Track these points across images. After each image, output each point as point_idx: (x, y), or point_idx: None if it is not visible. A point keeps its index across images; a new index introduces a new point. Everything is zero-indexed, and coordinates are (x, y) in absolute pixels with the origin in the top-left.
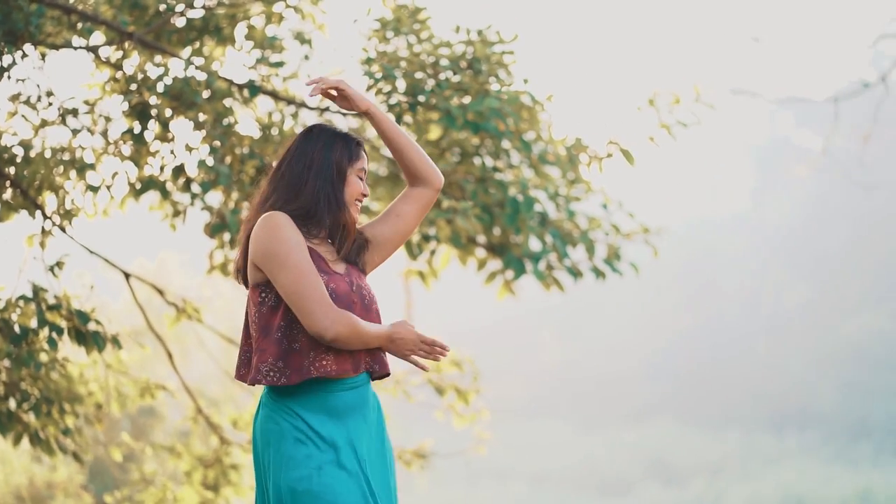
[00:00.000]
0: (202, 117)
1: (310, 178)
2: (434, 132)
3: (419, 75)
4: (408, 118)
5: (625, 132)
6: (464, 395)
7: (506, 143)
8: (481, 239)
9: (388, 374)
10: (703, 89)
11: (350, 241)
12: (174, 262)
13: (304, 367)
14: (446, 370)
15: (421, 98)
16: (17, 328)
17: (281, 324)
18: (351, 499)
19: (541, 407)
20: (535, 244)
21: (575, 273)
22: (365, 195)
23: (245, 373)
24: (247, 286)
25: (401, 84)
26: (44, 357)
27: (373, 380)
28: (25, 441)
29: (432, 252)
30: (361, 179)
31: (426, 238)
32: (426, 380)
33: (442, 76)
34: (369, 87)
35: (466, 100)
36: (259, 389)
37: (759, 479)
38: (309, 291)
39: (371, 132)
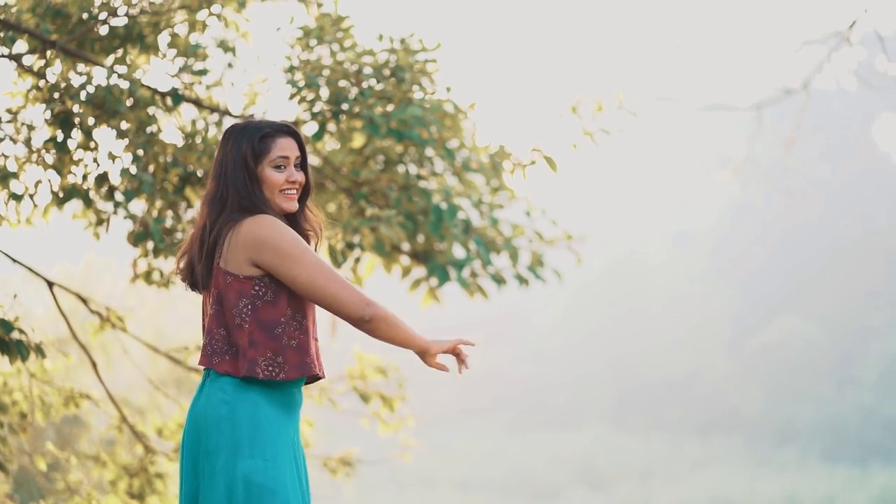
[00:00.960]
0: (125, 125)
1: (228, 187)
2: (357, 140)
3: (342, 83)
4: (331, 126)
5: (548, 139)
6: (389, 402)
7: (429, 151)
8: (405, 246)
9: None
10: (626, 97)
11: (312, 234)
12: (98, 266)
13: (306, 364)
14: (371, 377)
15: (344, 106)
16: None
17: (281, 320)
18: (293, 495)
19: (468, 413)
20: (459, 251)
21: (499, 280)
22: (292, 181)
23: (221, 361)
24: (195, 286)
25: (324, 92)
26: None
27: (307, 383)
28: None
29: (357, 260)
30: (282, 167)
31: (350, 246)
32: (351, 387)
33: (365, 84)
34: (292, 96)
35: (390, 108)
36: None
37: (687, 484)
38: (335, 282)
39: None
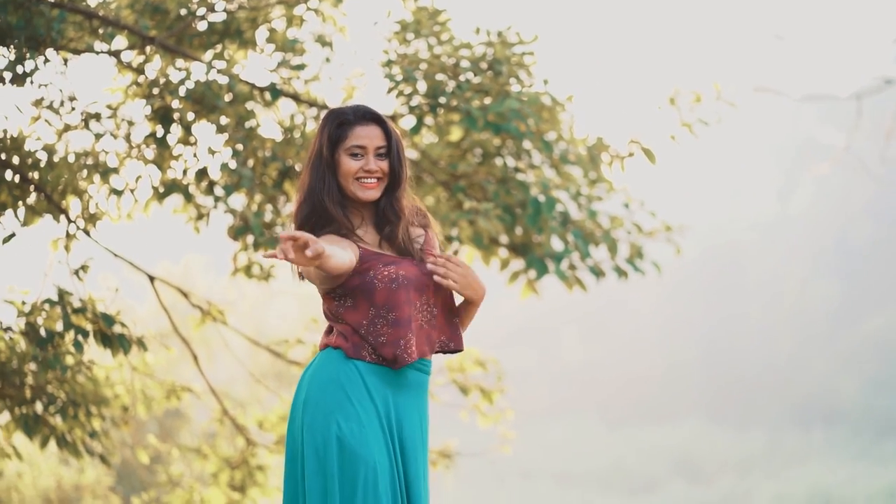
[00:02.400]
0: (224, 120)
1: (308, 177)
2: (455, 133)
3: (440, 77)
4: (429, 120)
5: (646, 131)
6: (488, 394)
7: (527, 144)
8: (504, 239)
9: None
10: (725, 87)
11: (397, 226)
12: (198, 264)
13: (395, 355)
14: (470, 370)
15: (442, 100)
16: (42, 332)
17: (361, 321)
18: (378, 459)
19: (566, 407)
20: (557, 244)
21: (597, 272)
22: (368, 170)
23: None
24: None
25: (421, 86)
26: (70, 360)
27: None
28: (52, 444)
29: (455, 252)
30: (357, 156)
31: (449, 239)
32: (450, 380)
33: (462, 78)
34: (390, 90)
35: (487, 101)
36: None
37: (786, 477)
38: None
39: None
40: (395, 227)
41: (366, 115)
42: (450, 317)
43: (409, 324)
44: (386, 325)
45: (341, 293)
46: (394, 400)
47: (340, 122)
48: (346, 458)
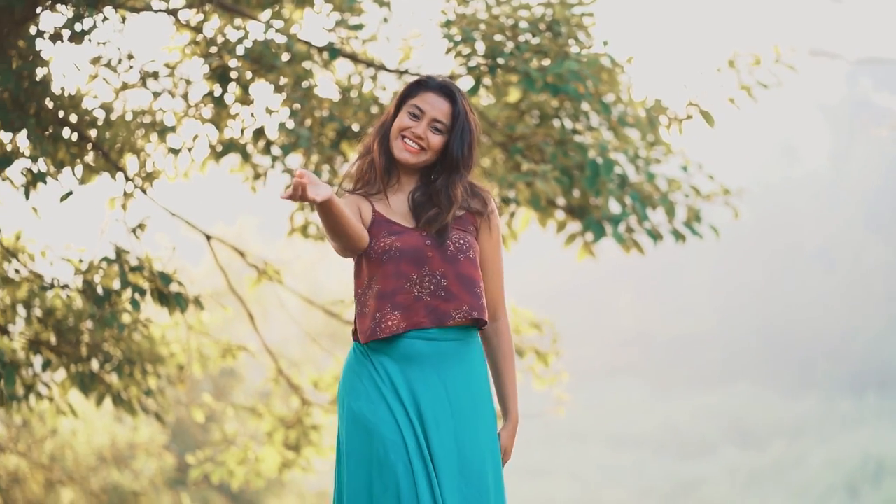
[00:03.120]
0: (282, 80)
1: (372, 131)
2: (513, 95)
3: (498, 38)
4: (487, 81)
5: (704, 94)
6: (543, 357)
7: (585, 106)
8: (561, 201)
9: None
10: (784, 50)
11: (446, 212)
12: (253, 225)
13: (370, 328)
14: (525, 332)
15: (500, 61)
16: (100, 290)
17: (357, 290)
18: (383, 434)
19: (619, 369)
20: (614, 206)
21: (655, 235)
22: (415, 134)
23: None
24: None
25: (480, 47)
26: (126, 318)
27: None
28: (108, 402)
29: (512, 214)
30: (414, 116)
31: (506, 201)
32: None
33: (521, 38)
34: (448, 50)
35: (546, 62)
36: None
37: (839, 442)
38: None
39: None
40: (444, 212)
41: (443, 88)
42: (469, 286)
43: (390, 297)
44: (370, 297)
45: (355, 261)
46: (408, 375)
47: (418, 83)
48: (358, 434)
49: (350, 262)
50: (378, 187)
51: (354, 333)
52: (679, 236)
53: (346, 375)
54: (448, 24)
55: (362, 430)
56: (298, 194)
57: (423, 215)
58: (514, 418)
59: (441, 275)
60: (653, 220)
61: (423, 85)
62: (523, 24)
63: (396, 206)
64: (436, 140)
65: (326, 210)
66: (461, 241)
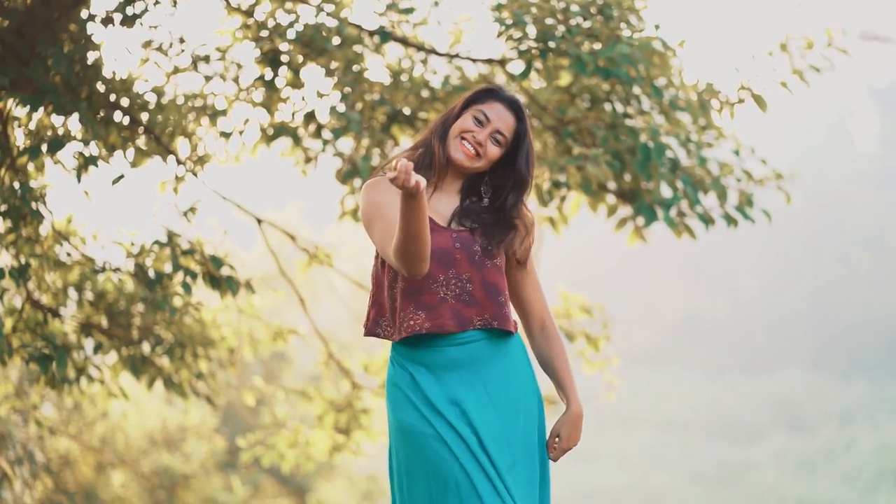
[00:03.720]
0: (333, 64)
1: (434, 123)
2: (564, 78)
3: (549, 21)
4: (538, 64)
5: (756, 78)
6: (593, 341)
7: (636, 90)
8: (612, 185)
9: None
10: (835, 34)
11: (518, 235)
12: (302, 209)
13: (399, 324)
14: (576, 316)
15: (551, 44)
16: (151, 273)
17: (385, 281)
18: (426, 452)
19: (667, 354)
20: (666, 191)
21: (706, 220)
22: (475, 139)
23: (365, 323)
24: None
25: (531, 30)
26: (178, 302)
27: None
28: (159, 385)
29: (562, 199)
30: (479, 121)
31: (557, 185)
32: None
33: (572, 22)
34: (500, 34)
35: (597, 46)
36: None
37: (889, 428)
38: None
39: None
40: (516, 234)
41: (512, 103)
42: (493, 295)
43: (416, 295)
44: (397, 292)
45: (380, 255)
46: (447, 381)
47: (489, 90)
48: (409, 445)
49: None
50: (426, 174)
51: (381, 332)
52: (731, 221)
53: (388, 387)
54: (499, 7)
55: (412, 441)
56: (402, 179)
57: (470, 222)
58: (575, 408)
59: (467, 279)
60: (704, 205)
61: (494, 94)
62: (574, 8)
63: (436, 204)
64: (493, 151)
65: (416, 205)
66: (489, 248)
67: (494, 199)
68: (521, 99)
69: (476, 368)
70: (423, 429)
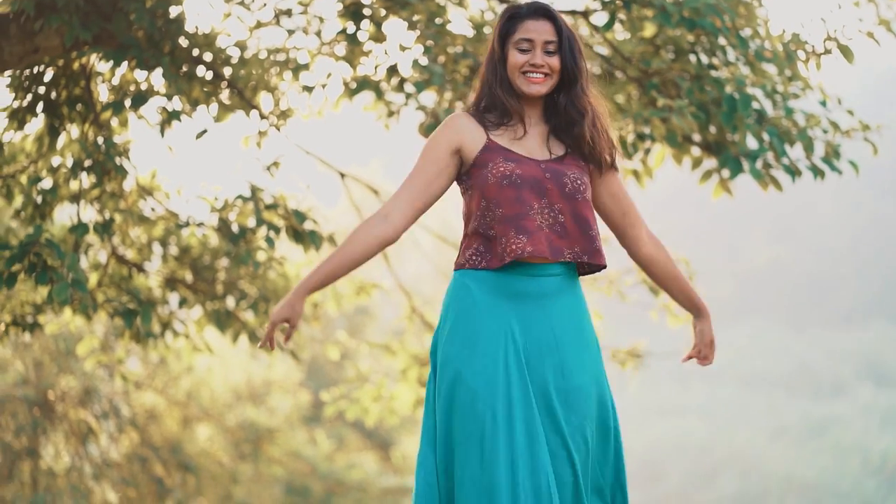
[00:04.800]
0: (415, 17)
1: (485, 70)
2: (648, 29)
3: None
4: (622, 15)
5: (843, 28)
6: None
7: (721, 40)
8: (696, 137)
9: (599, 267)
10: None
11: (582, 124)
12: (384, 164)
13: (501, 250)
14: None
15: None
16: (235, 227)
17: (476, 211)
18: (482, 384)
19: (751, 308)
20: (751, 142)
21: (793, 172)
22: (533, 64)
23: (456, 259)
24: None
25: None
26: (261, 256)
27: (583, 274)
28: (243, 339)
29: (647, 151)
30: (524, 51)
31: (641, 137)
32: (640, 279)
33: None
34: None
35: None
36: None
37: None
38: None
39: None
40: (580, 125)
41: (538, 10)
42: (584, 228)
43: (514, 221)
44: (494, 220)
45: (467, 185)
46: (512, 312)
47: (511, 15)
48: (446, 377)
49: None
50: (502, 120)
51: (466, 263)
52: (818, 172)
53: (445, 312)
54: None
55: (451, 374)
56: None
57: (562, 139)
58: (706, 310)
59: (559, 210)
60: (791, 156)
61: (518, 16)
62: None
63: (522, 138)
64: (554, 61)
65: (316, 288)
66: (578, 182)
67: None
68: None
69: (544, 303)
70: (464, 371)
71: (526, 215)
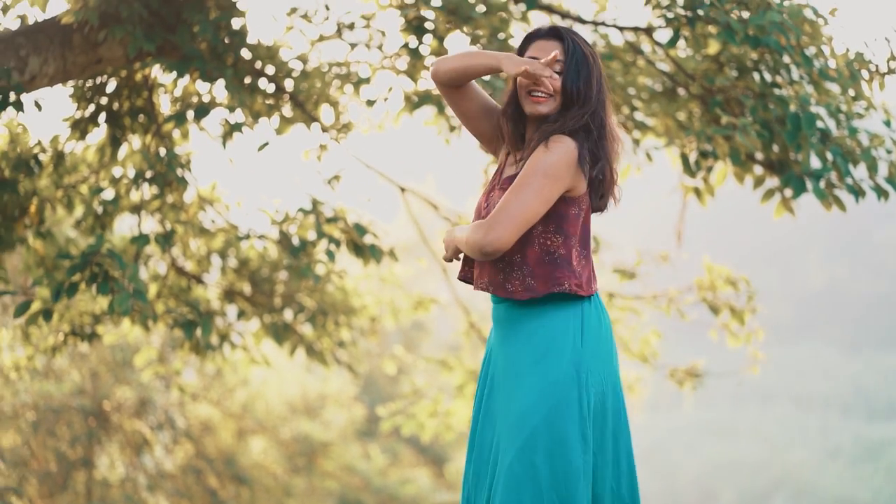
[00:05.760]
0: (478, 32)
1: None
2: (713, 47)
3: None
4: (686, 33)
5: None
6: (738, 314)
7: (786, 58)
8: (759, 156)
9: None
10: None
11: (528, 136)
12: (443, 179)
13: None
14: (721, 288)
15: (700, 12)
16: (295, 240)
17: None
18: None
19: (807, 329)
20: (815, 162)
21: (857, 192)
22: (538, 85)
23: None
24: None
25: None
26: (321, 269)
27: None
28: (299, 352)
29: (709, 169)
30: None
31: (704, 154)
32: (700, 298)
33: None
34: (647, 1)
35: (746, 14)
36: None
37: None
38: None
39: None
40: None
41: (550, 31)
42: (493, 260)
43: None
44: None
45: None
46: (493, 337)
47: (528, 36)
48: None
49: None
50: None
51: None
52: (881, 192)
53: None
54: None
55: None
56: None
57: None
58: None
59: None
60: (854, 176)
61: (533, 36)
62: None
63: (517, 161)
64: (557, 82)
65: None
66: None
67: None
68: (566, 25)
69: (505, 329)
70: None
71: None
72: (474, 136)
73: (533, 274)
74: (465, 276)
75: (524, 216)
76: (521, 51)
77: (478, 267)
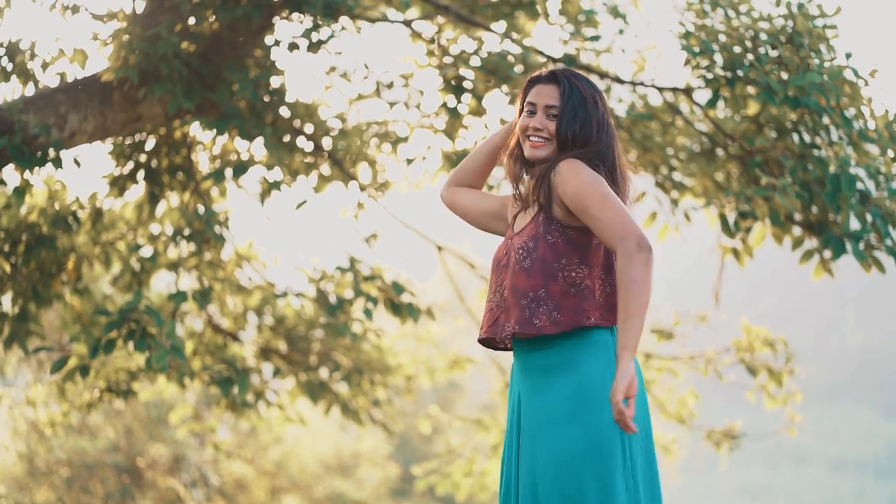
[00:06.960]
0: (516, 90)
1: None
2: (752, 107)
3: (737, 50)
4: (725, 93)
5: None
6: (776, 375)
7: (825, 119)
8: (798, 216)
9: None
10: None
11: (531, 183)
12: (480, 238)
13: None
14: (759, 350)
15: (740, 73)
16: (332, 298)
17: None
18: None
19: (842, 390)
20: (854, 223)
21: None
22: (534, 128)
23: None
24: None
25: (719, 58)
26: (357, 328)
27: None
28: (334, 411)
29: (748, 230)
30: (531, 112)
31: (743, 215)
32: (738, 359)
33: (761, 50)
34: (687, 62)
35: (785, 75)
36: None
37: None
38: None
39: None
40: (522, 200)
41: (549, 75)
42: (517, 299)
43: (486, 303)
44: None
45: None
46: (517, 386)
47: (529, 80)
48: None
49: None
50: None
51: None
52: None
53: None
54: (687, 35)
55: None
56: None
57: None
58: (622, 364)
59: (505, 285)
60: (894, 238)
61: (534, 80)
62: (763, 36)
63: (523, 210)
64: (552, 125)
65: None
66: (521, 250)
67: None
68: (565, 67)
69: (529, 378)
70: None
71: (488, 297)
72: (496, 233)
73: (559, 307)
74: (489, 335)
75: (624, 210)
76: (523, 97)
77: (503, 313)
